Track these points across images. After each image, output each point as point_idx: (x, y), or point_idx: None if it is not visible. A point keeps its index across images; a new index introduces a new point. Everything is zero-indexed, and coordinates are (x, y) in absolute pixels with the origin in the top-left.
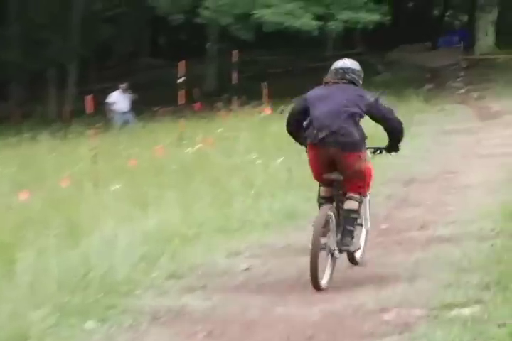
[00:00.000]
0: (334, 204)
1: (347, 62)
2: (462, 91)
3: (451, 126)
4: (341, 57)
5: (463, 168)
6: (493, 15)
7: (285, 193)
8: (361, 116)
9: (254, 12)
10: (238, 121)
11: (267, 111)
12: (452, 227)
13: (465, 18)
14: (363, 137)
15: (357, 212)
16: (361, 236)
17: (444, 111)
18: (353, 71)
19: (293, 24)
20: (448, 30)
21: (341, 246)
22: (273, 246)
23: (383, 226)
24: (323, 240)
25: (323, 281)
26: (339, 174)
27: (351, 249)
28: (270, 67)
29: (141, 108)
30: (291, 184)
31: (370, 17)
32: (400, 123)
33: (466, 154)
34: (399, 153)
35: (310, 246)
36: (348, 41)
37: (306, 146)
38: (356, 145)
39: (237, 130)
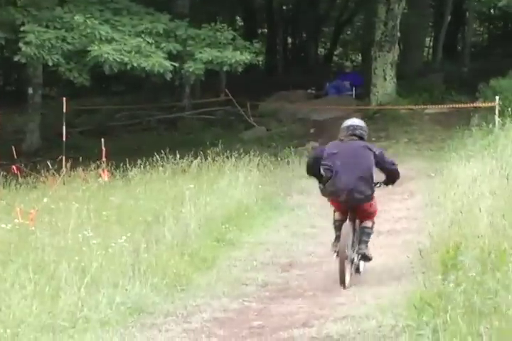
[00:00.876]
0: (351, 223)
1: (355, 121)
2: None
3: None
4: (201, 107)
5: None
6: (393, 55)
7: (129, 282)
8: (373, 167)
9: (91, 48)
10: (69, 189)
11: (106, 176)
12: (343, 324)
13: (358, 57)
14: (373, 187)
15: (371, 228)
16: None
17: None
18: (361, 128)
19: (141, 64)
20: (338, 73)
21: (359, 251)
22: None
23: (256, 323)
24: (347, 251)
25: (347, 281)
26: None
27: (366, 252)
28: (112, 119)
29: None
30: (137, 270)
31: (238, 57)
32: (398, 173)
33: None
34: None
35: (336, 256)
36: (211, 87)
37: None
38: (368, 198)
39: (67, 200)
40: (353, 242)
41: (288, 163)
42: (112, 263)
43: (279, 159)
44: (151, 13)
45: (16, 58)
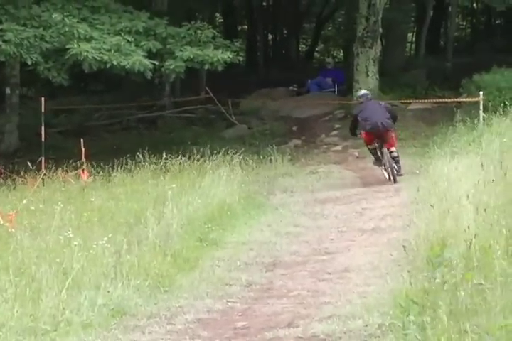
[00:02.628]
0: (383, 147)
1: (365, 91)
2: (338, 148)
3: (326, 194)
4: (182, 106)
5: (341, 246)
6: (375, 51)
7: (111, 283)
8: (388, 112)
9: (70, 46)
10: (49, 190)
11: (85, 176)
12: (328, 323)
13: (340, 53)
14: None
15: (396, 152)
16: None
17: (316, 175)
18: (370, 94)
19: (121, 63)
20: (319, 70)
21: (398, 171)
22: None
23: (240, 324)
24: (388, 163)
25: (395, 178)
26: (378, 142)
27: (401, 172)
28: (91, 119)
29: None
30: (119, 271)
31: (220, 55)
32: (397, 116)
33: (345, 229)
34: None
35: (381, 166)
36: (191, 86)
37: (356, 135)
38: (392, 127)
39: (47, 202)
40: (387, 157)
41: (270, 161)
42: (94, 265)
43: (261, 157)
44: (129, 11)
45: None
